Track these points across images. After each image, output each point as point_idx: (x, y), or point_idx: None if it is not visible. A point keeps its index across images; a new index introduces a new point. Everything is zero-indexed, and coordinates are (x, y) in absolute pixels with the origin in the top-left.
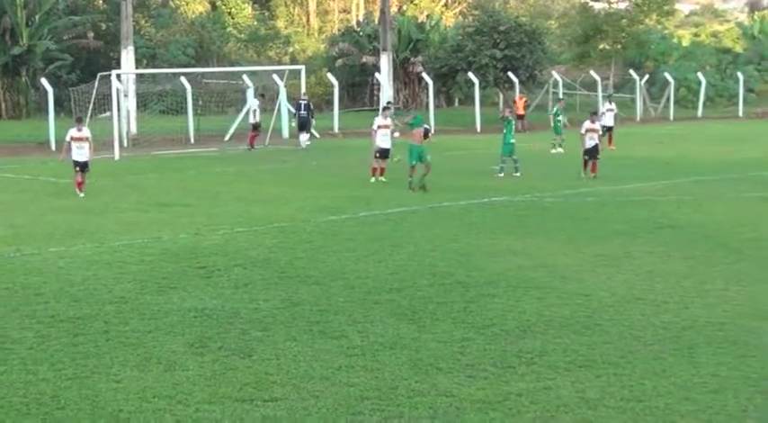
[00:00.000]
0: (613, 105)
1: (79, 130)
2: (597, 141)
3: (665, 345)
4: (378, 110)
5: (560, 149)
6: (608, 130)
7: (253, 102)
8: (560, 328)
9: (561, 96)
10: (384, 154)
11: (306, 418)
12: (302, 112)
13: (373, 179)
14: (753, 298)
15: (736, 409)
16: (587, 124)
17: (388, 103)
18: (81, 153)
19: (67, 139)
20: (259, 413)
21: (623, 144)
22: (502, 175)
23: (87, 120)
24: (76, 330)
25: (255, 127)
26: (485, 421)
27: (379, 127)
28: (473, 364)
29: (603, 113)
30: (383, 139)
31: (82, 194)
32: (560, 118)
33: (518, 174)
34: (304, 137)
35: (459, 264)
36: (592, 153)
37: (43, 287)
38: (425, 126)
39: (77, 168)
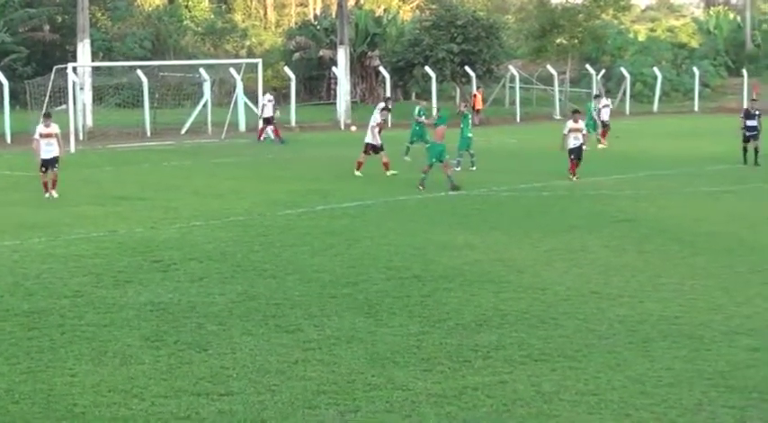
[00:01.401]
0: (609, 100)
1: (47, 126)
2: (581, 141)
3: (620, 338)
4: (334, 103)
5: (603, 145)
6: (604, 126)
7: (265, 97)
8: (516, 321)
9: (598, 93)
10: (375, 149)
11: (262, 412)
12: (266, 106)
13: (358, 173)
14: (707, 292)
15: (691, 402)
16: (570, 123)
17: (387, 99)
18: (49, 150)
19: (36, 136)
20: (215, 407)
21: None
22: (458, 168)
23: (43, 112)
24: (31, 324)
25: (268, 121)
26: (441, 415)
27: (377, 123)
28: (429, 358)
29: (600, 109)
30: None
31: (53, 195)
32: (594, 114)
33: (474, 168)
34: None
35: (415, 258)
36: (577, 153)
37: None
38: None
39: (44, 169)
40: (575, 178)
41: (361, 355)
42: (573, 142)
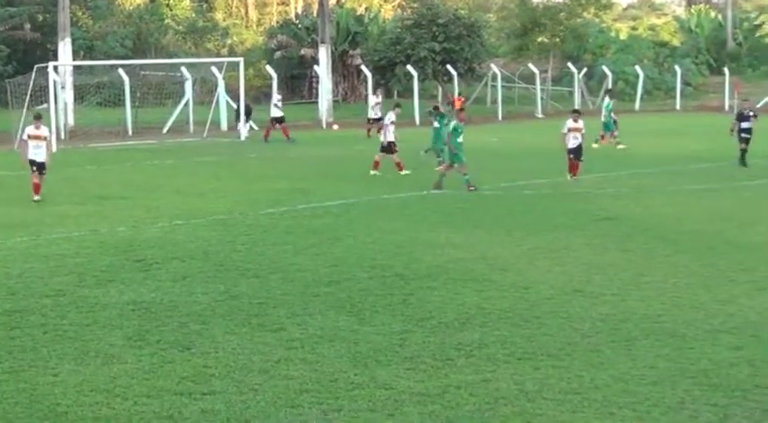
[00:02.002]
0: (613, 100)
1: (37, 127)
2: (581, 141)
3: (603, 337)
4: (316, 102)
5: (622, 145)
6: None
7: (274, 97)
8: (499, 320)
9: (610, 87)
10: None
11: (245, 412)
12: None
13: (373, 172)
14: (690, 290)
15: (674, 400)
16: (570, 123)
17: (397, 104)
18: (38, 152)
19: (24, 137)
20: (198, 406)
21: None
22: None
23: (24, 111)
24: (13, 323)
25: (279, 120)
26: (424, 413)
27: (392, 122)
28: (412, 357)
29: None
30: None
31: (38, 198)
32: (611, 112)
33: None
34: (246, 128)
35: (398, 256)
36: (576, 153)
37: None
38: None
39: (34, 168)
40: (574, 178)
41: (343, 354)
42: (572, 142)
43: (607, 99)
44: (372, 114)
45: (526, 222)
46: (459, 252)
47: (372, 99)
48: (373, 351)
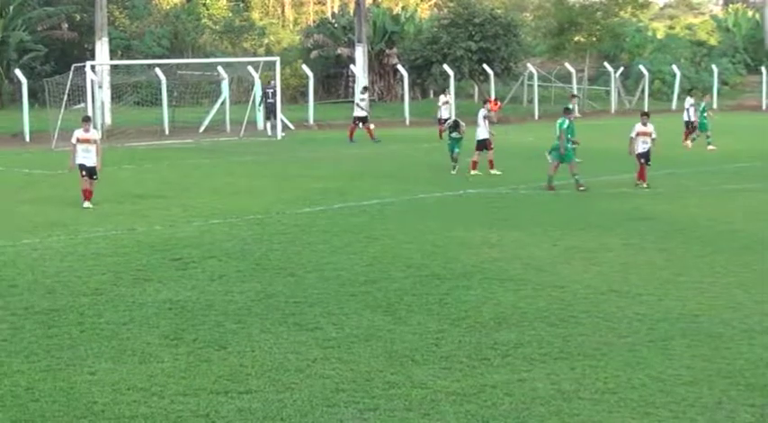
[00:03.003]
0: (695, 99)
1: (86, 130)
2: (650, 145)
3: (639, 337)
4: (352, 101)
5: (712, 147)
6: (690, 124)
7: (357, 96)
8: (535, 320)
9: (692, 87)
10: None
11: (281, 411)
12: (270, 99)
13: (473, 172)
14: (727, 290)
15: (711, 400)
16: (638, 127)
17: (496, 98)
18: (88, 157)
19: (73, 141)
20: (234, 405)
21: (599, 136)
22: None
23: (62, 111)
24: (51, 322)
25: (363, 120)
26: (460, 413)
27: (484, 117)
28: (448, 356)
29: (687, 109)
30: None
31: (89, 205)
32: (706, 114)
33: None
34: (271, 125)
35: (434, 256)
36: (646, 157)
37: (17, 279)
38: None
39: (83, 173)
40: (644, 185)
41: (379, 354)
42: (642, 146)
43: (692, 99)
44: (441, 114)
45: (562, 222)
46: (495, 251)
47: (442, 98)
48: (409, 350)
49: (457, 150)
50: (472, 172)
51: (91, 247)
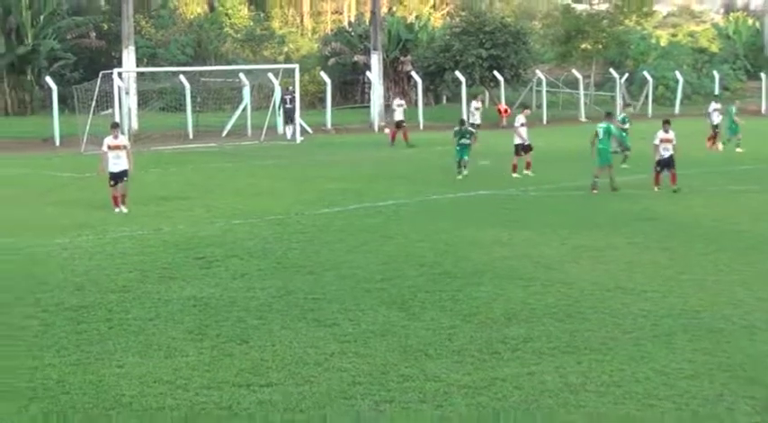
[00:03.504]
0: (719, 104)
1: (115, 137)
2: (672, 152)
3: (643, 332)
4: (368, 107)
5: (740, 149)
6: (715, 128)
7: (394, 101)
8: (544, 315)
9: (717, 93)
10: (526, 149)
11: (300, 403)
12: (288, 105)
13: (515, 175)
14: (728, 287)
15: (712, 393)
16: (661, 134)
17: (525, 105)
18: (117, 163)
19: (104, 149)
20: (255, 397)
21: None
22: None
23: (90, 116)
24: (80, 318)
25: (398, 125)
26: (471, 405)
27: (521, 125)
28: (460, 351)
29: (710, 113)
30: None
31: (123, 210)
32: (736, 118)
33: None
34: (290, 129)
35: (446, 254)
36: (667, 164)
37: (48, 277)
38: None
39: (112, 182)
40: (673, 186)
41: (394, 348)
42: (663, 153)
43: (717, 104)
44: (474, 119)
45: (570, 222)
46: (505, 250)
47: (473, 104)
48: (423, 345)
49: (466, 158)
50: (514, 174)
51: (118, 246)
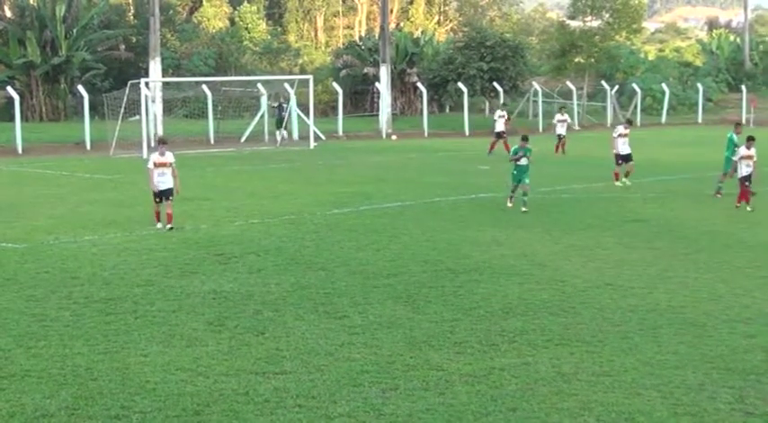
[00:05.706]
0: (566, 116)
1: (161, 154)
2: (752, 169)
3: (631, 326)
4: (376, 115)
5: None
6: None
7: (496, 113)
8: (539, 310)
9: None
10: (626, 158)
11: (312, 390)
12: (283, 112)
13: (618, 183)
14: (709, 284)
15: (695, 382)
16: (742, 150)
17: (628, 120)
18: (162, 181)
19: (150, 166)
20: (270, 385)
21: (596, 147)
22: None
23: (119, 122)
24: (108, 310)
25: (499, 135)
26: (471, 393)
27: (619, 135)
28: (461, 342)
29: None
30: (624, 147)
31: (165, 226)
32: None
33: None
34: (279, 134)
35: (449, 252)
36: (747, 180)
37: (79, 271)
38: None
39: (157, 199)
40: (748, 207)
41: (400, 339)
42: (745, 170)
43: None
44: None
45: (563, 223)
46: (503, 249)
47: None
48: (426, 337)
49: (527, 181)
50: (616, 183)
51: (143, 243)
